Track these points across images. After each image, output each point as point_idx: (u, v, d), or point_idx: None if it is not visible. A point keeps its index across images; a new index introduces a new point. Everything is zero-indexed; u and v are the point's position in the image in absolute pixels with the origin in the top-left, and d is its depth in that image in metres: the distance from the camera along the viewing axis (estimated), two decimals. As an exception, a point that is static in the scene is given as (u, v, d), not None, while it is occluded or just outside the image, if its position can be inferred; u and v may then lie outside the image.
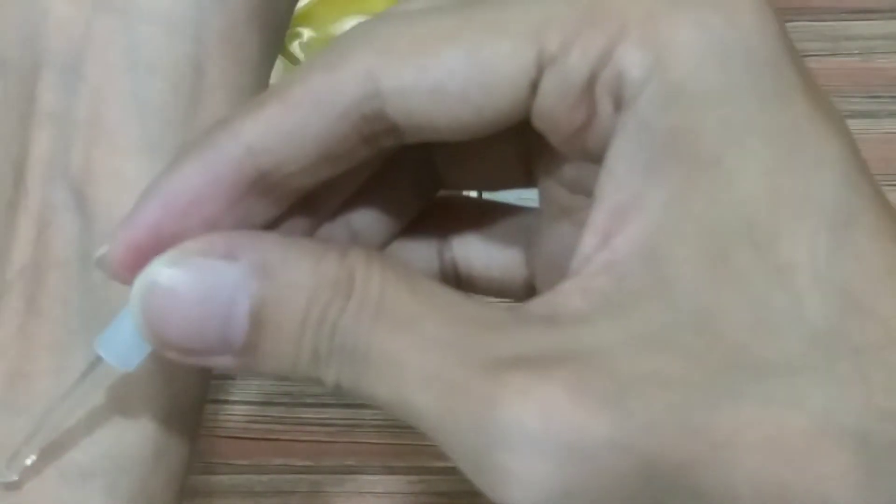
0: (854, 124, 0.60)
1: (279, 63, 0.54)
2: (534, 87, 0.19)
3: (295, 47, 0.56)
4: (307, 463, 0.46)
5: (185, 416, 0.25)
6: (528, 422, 0.18)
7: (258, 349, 0.20)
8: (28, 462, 0.23)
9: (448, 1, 0.20)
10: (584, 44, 0.19)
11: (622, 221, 0.19)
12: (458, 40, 0.19)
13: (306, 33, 0.57)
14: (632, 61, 0.19)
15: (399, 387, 0.19)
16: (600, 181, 0.19)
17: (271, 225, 0.22)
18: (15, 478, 0.23)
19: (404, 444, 0.46)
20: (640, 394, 0.18)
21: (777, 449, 0.18)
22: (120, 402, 0.23)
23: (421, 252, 0.25)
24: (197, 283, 0.20)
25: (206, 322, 0.20)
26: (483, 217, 0.25)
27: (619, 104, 0.19)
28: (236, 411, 0.48)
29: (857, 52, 0.62)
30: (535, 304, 0.19)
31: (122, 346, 0.21)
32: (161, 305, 0.20)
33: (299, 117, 0.20)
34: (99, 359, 0.21)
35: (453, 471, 0.47)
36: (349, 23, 0.57)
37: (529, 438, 0.18)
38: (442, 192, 0.26)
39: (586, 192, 0.21)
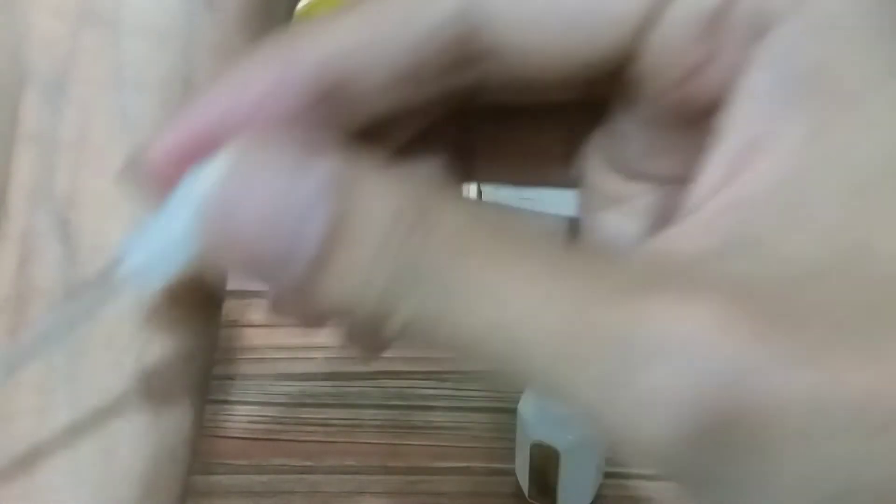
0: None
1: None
2: (650, 19, 0.18)
3: (295, 48, 0.56)
4: (307, 463, 0.46)
5: (174, 455, 0.24)
6: (684, 339, 0.16)
7: (330, 267, 0.17)
8: (13, 369, 0.21)
9: None
10: None
11: (753, 156, 0.17)
12: None
13: (306, 34, 0.57)
14: None
15: (499, 317, 0.16)
16: (725, 116, 0.18)
17: None
18: None
19: (404, 444, 0.46)
20: (812, 324, 0.16)
21: None
22: (106, 441, 0.22)
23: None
24: (273, 180, 0.17)
25: (277, 226, 0.17)
26: None
27: (756, 35, 0.18)
28: (236, 411, 0.48)
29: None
30: (651, 244, 0.17)
31: (152, 256, 0.18)
32: (228, 202, 0.17)
33: (388, 27, 0.18)
34: (117, 264, 0.18)
35: (453, 471, 0.47)
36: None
37: (686, 356, 0.16)
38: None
39: (649, 176, 0.20)
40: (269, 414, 0.47)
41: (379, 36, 0.18)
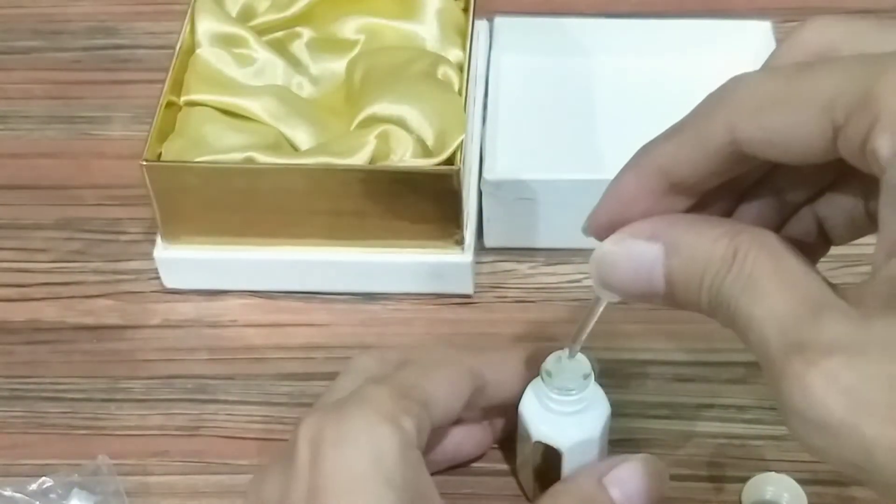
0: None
1: (280, 63, 0.54)
2: (832, 139, 0.28)
3: (295, 47, 0.56)
4: (307, 463, 0.46)
5: None
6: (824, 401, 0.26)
7: (673, 298, 0.31)
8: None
9: (787, 66, 0.30)
10: (856, 121, 0.27)
11: None
12: (785, 106, 0.29)
13: (306, 33, 0.57)
14: (881, 143, 0.26)
15: (749, 340, 0.29)
16: (880, 217, 0.27)
17: (689, 210, 0.32)
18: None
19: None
20: None
21: None
22: None
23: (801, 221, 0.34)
24: (629, 257, 0.32)
25: (636, 282, 0.32)
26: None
27: (879, 169, 0.27)
28: (236, 411, 0.48)
29: (857, 52, 0.62)
30: (851, 292, 0.28)
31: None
32: (607, 270, 0.33)
33: (689, 149, 0.31)
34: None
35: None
36: (349, 23, 0.57)
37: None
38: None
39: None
40: (269, 414, 0.47)
41: (687, 154, 0.31)
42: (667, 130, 0.31)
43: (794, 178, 0.33)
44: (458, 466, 0.44)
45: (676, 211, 0.32)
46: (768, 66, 0.32)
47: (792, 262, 0.29)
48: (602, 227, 0.33)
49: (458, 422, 0.42)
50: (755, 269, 0.29)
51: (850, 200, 0.32)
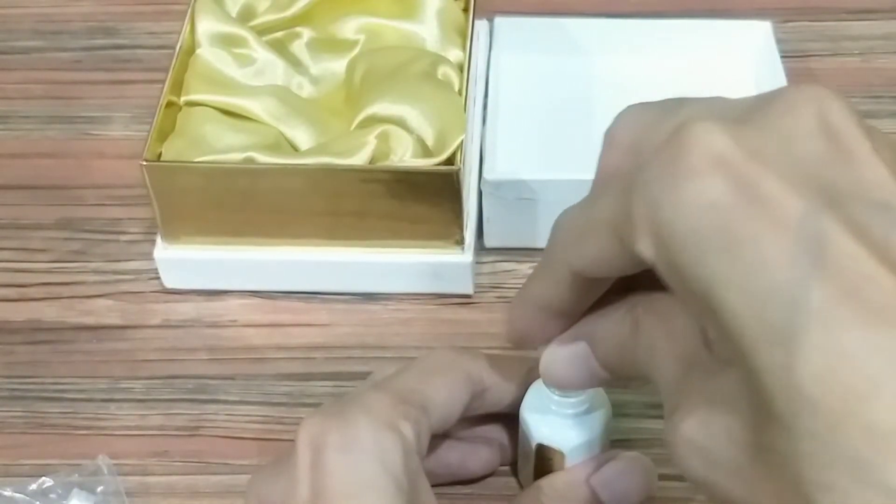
0: (854, 124, 0.60)
1: (280, 63, 0.54)
2: (628, 255, 0.30)
3: (295, 47, 0.56)
4: (307, 463, 0.46)
5: None
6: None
7: (619, 377, 0.36)
8: None
9: (591, 191, 0.34)
10: (627, 238, 0.29)
11: None
12: (589, 236, 0.32)
13: (306, 33, 0.57)
14: (641, 248, 0.29)
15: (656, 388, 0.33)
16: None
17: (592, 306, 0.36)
18: None
19: (404, 445, 0.46)
20: None
21: None
22: None
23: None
24: (565, 362, 0.36)
25: (581, 379, 0.36)
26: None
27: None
28: (236, 411, 0.48)
29: (857, 52, 0.62)
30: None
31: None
32: (555, 377, 0.37)
33: (552, 285, 0.35)
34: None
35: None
36: (349, 23, 0.57)
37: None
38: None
39: None
40: (269, 414, 0.47)
41: (552, 290, 0.35)
42: (536, 266, 0.35)
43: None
44: (464, 483, 0.44)
45: (566, 325, 0.36)
46: (592, 185, 0.35)
47: (676, 324, 0.32)
48: (518, 341, 0.37)
49: (463, 438, 0.43)
50: (651, 338, 0.33)
51: None
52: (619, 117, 0.34)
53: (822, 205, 0.26)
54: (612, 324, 0.34)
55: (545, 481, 0.41)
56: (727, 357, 0.28)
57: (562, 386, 0.38)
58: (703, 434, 0.29)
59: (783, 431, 0.26)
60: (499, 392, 0.41)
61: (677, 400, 0.30)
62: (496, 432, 0.43)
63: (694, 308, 0.29)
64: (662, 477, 0.41)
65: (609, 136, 0.34)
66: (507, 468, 0.44)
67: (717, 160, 0.27)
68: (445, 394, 0.39)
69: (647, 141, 0.31)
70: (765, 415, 0.26)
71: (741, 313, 0.26)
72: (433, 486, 0.37)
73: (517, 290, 0.37)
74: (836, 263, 0.25)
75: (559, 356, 0.36)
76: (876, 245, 0.25)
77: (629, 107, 0.34)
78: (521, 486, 0.44)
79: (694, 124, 0.28)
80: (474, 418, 0.42)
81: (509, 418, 0.42)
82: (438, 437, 0.40)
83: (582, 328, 0.36)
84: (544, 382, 0.38)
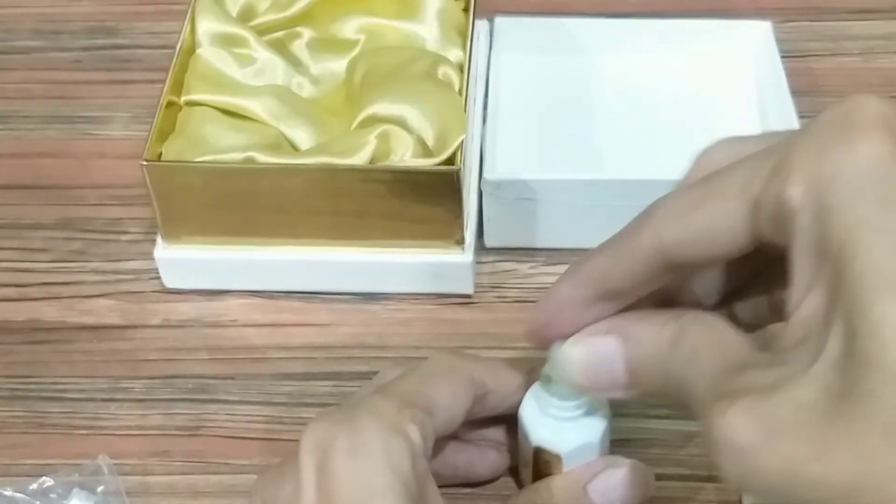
0: (854, 124, 0.60)
1: (280, 63, 0.54)
2: (751, 220, 0.31)
3: (295, 47, 0.56)
4: (307, 463, 0.46)
5: None
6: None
7: (634, 384, 0.35)
8: None
9: (699, 178, 0.33)
10: (770, 187, 0.30)
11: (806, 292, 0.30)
12: (705, 204, 0.32)
13: (306, 33, 0.57)
14: (792, 193, 0.29)
15: (689, 401, 0.32)
16: (793, 265, 0.30)
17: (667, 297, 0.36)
18: None
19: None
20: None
21: None
22: None
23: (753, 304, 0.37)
24: (590, 352, 0.35)
25: (598, 375, 0.35)
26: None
27: (791, 223, 0.30)
28: (236, 411, 0.48)
29: (857, 52, 0.62)
30: (772, 340, 0.31)
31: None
32: (571, 368, 0.36)
33: (621, 259, 0.34)
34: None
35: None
36: (349, 23, 0.57)
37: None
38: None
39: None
40: (269, 414, 0.47)
41: (619, 264, 0.34)
42: (601, 244, 0.35)
43: (708, 284, 0.37)
44: (465, 483, 0.44)
45: (604, 317, 0.35)
46: (682, 184, 0.35)
47: (727, 334, 0.32)
48: (540, 331, 0.37)
49: (469, 440, 0.43)
50: (697, 342, 0.32)
51: (757, 300, 0.36)
52: (713, 145, 0.35)
53: None
54: (654, 325, 0.34)
55: (542, 484, 0.41)
56: (822, 317, 0.28)
57: (574, 382, 0.36)
58: (767, 405, 0.28)
59: (891, 379, 0.26)
60: (500, 395, 0.41)
61: (719, 397, 0.30)
62: (501, 435, 0.43)
63: (809, 263, 0.29)
64: (662, 477, 0.41)
65: (701, 158, 0.35)
66: (508, 471, 0.44)
67: (885, 121, 0.29)
68: (449, 397, 0.39)
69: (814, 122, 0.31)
70: (867, 367, 0.26)
71: (878, 258, 0.27)
72: (438, 486, 0.37)
73: (567, 268, 0.36)
74: None
75: (587, 346, 0.35)
76: None
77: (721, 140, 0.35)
78: (521, 488, 0.44)
79: (860, 97, 0.30)
80: (478, 421, 0.42)
81: (513, 420, 0.42)
82: (443, 439, 0.39)
83: (617, 322, 0.35)
84: (553, 377, 0.38)
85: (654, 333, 0.34)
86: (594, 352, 0.35)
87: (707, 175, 0.33)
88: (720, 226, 0.32)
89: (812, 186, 0.29)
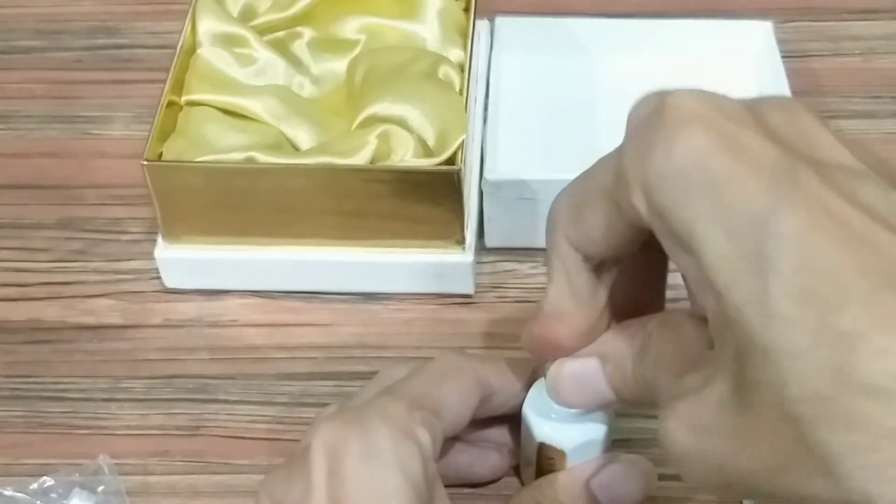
0: (855, 125, 0.61)
1: (281, 63, 0.54)
2: (628, 224, 0.32)
3: (296, 47, 0.56)
4: (308, 463, 0.45)
5: None
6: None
7: (622, 401, 0.37)
8: None
9: (577, 179, 0.34)
10: (620, 196, 0.31)
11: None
12: (584, 213, 0.33)
13: (307, 33, 0.57)
14: (635, 202, 0.30)
15: (657, 402, 0.33)
16: (679, 267, 0.31)
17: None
18: None
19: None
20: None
21: None
22: None
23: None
24: (572, 376, 0.37)
25: (587, 395, 0.37)
26: None
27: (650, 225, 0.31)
28: (236, 411, 0.48)
29: (857, 52, 0.62)
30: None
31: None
32: (561, 392, 0.38)
33: (558, 273, 0.36)
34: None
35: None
36: (350, 23, 0.57)
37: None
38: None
39: None
40: (270, 414, 0.47)
41: (557, 280, 0.36)
42: (547, 275, 0.36)
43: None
44: (471, 486, 0.44)
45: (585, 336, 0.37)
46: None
47: (686, 333, 0.33)
48: (535, 346, 0.38)
49: (471, 441, 0.43)
50: (659, 350, 0.34)
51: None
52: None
53: (794, 156, 0.28)
54: (625, 340, 0.35)
55: (545, 481, 0.41)
56: (713, 309, 0.29)
57: (567, 404, 0.38)
58: (693, 412, 0.30)
59: (765, 361, 0.27)
60: (505, 395, 0.41)
61: (672, 393, 0.32)
62: (502, 435, 0.43)
63: (680, 258, 0.30)
64: (662, 477, 0.41)
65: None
66: (511, 468, 0.44)
67: (698, 116, 0.29)
68: (456, 398, 0.39)
69: (633, 117, 0.32)
70: (748, 354, 0.28)
71: (720, 247, 0.28)
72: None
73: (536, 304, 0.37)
74: (808, 195, 0.27)
75: (566, 370, 0.37)
76: (841, 189, 0.28)
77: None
78: (524, 486, 0.44)
79: (675, 92, 0.30)
80: (480, 421, 0.42)
81: (514, 420, 0.42)
82: (448, 441, 0.40)
83: (594, 347, 0.37)
84: (551, 398, 0.39)
85: (626, 348, 0.35)
86: (577, 375, 0.37)
87: (584, 172, 0.34)
88: (605, 229, 0.33)
89: (646, 193, 0.30)
